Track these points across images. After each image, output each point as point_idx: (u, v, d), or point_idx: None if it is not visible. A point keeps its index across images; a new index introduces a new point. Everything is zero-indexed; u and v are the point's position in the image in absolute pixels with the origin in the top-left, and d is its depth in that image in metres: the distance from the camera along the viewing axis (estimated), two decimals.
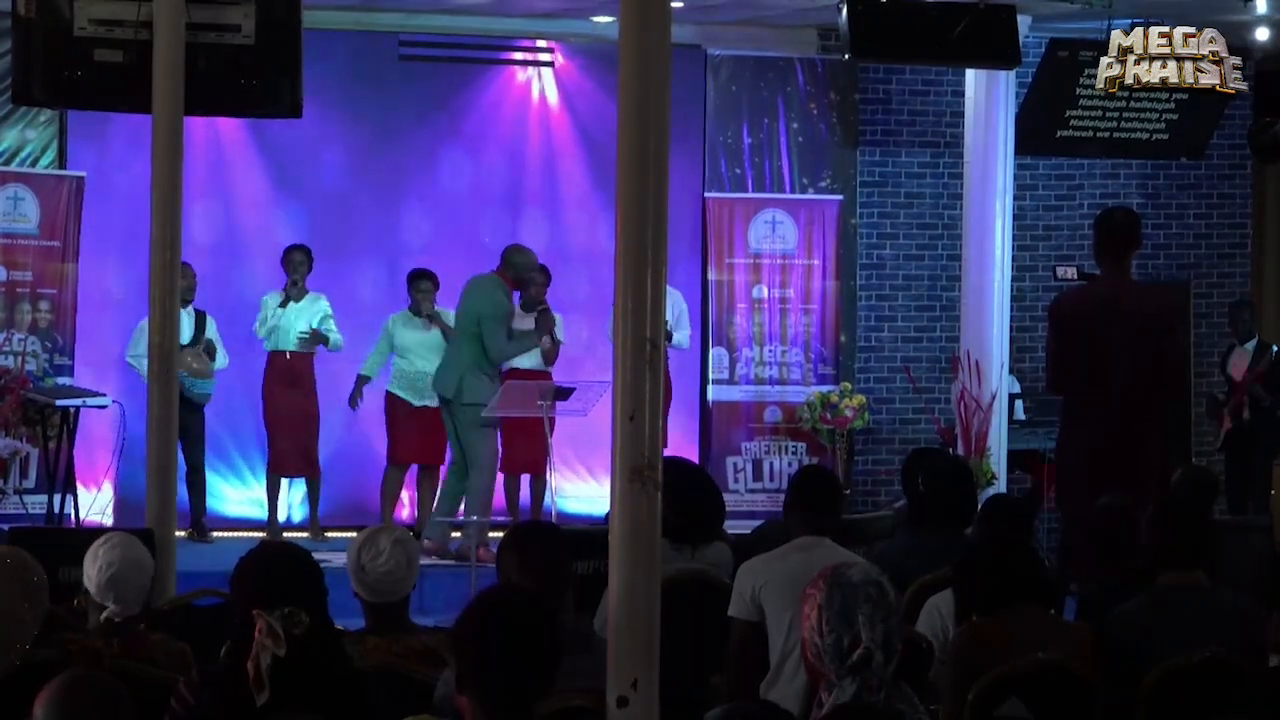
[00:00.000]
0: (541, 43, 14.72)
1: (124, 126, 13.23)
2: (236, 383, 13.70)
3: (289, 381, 13.41)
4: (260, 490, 13.92)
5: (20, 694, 4.55)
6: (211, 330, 13.32)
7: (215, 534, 13.38)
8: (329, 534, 13.29)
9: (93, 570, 5.77)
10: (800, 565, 6.24)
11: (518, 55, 14.77)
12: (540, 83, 14.73)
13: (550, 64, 14.75)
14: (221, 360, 13.35)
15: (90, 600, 5.80)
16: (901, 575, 7.04)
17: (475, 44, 14.67)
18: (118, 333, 13.56)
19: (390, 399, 13.50)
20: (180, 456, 12.43)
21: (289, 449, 13.42)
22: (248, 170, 14.22)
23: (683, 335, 13.93)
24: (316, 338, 13.35)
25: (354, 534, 12.94)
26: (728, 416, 14.81)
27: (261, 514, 13.78)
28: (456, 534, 12.56)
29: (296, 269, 13.43)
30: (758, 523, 10.58)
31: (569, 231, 14.69)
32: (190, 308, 13.09)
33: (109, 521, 12.58)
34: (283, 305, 13.36)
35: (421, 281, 13.39)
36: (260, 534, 13.15)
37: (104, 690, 4.16)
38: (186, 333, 12.94)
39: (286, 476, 13.59)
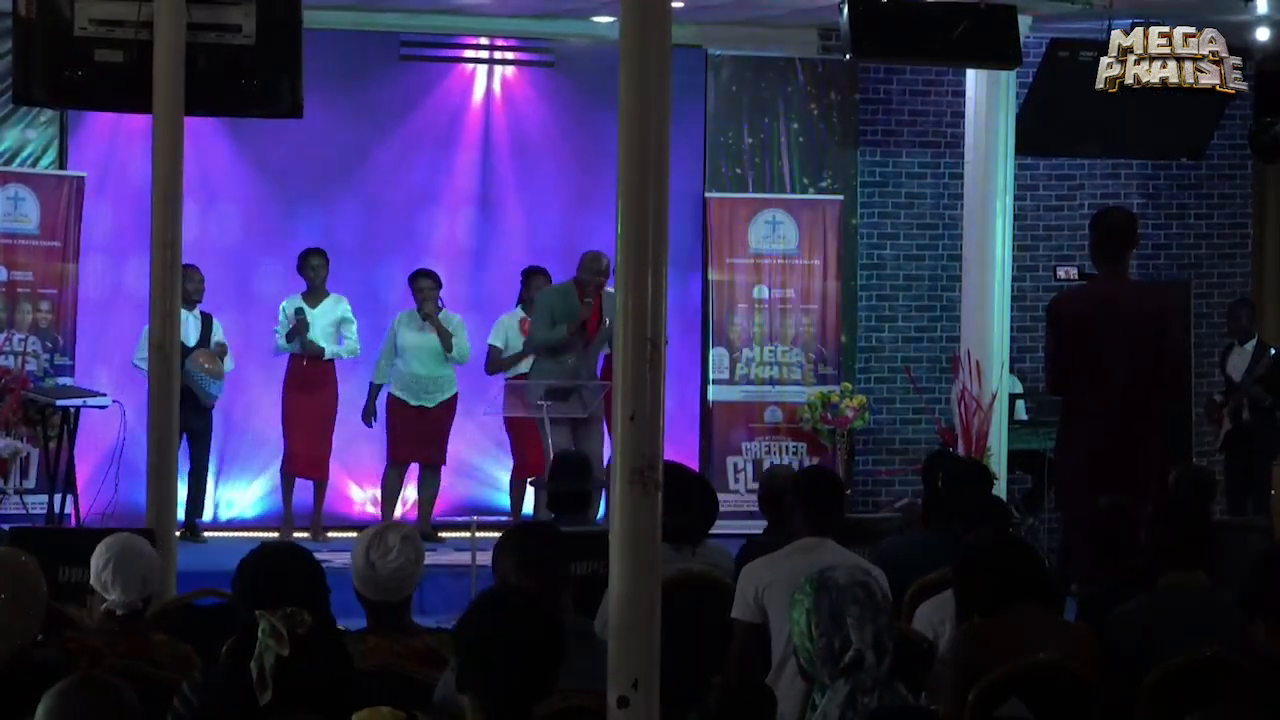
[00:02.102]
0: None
1: (124, 126, 13.24)
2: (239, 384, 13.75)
3: (309, 384, 13.41)
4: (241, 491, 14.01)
5: (20, 694, 4.55)
6: (218, 334, 13.30)
7: (208, 534, 13.37)
8: (330, 534, 13.32)
9: (96, 562, 5.79)
10: (803, 566, 6.23)
11: (519, 56, 14.78)
12: (541, 82, 14.73)
13: (552, 64, 14.75)
14: (228, 363, 13.34)
15: (95, 599, 5.80)
16: (902, 575, 7.06)
17: (475, 44, 14.68)
18: (118, 333, 13.55)
19: (390, 400, 13.52)
20: (187, 455, 12.56)
21: (302, 451, 13.42)
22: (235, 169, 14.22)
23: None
24: (306, 343, 13.36)
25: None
26: (728, 416, 14.81)
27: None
28: None
29: (316, 272, 13.43)
30: (758, 523, 10.56)
31: (569, 231, 14.68)
32: (196, 310, 13.09)
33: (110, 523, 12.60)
34: (293, 326, 13.34)
35: (421, 280, 13.40)
36: (265, 534, 13.15)
37: (111, 692, 4.15)
38: (193, 335, 12.93)
39: (298, 477, 13.58)
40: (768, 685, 4.87)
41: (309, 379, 13.41)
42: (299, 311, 13.32)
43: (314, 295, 13.45)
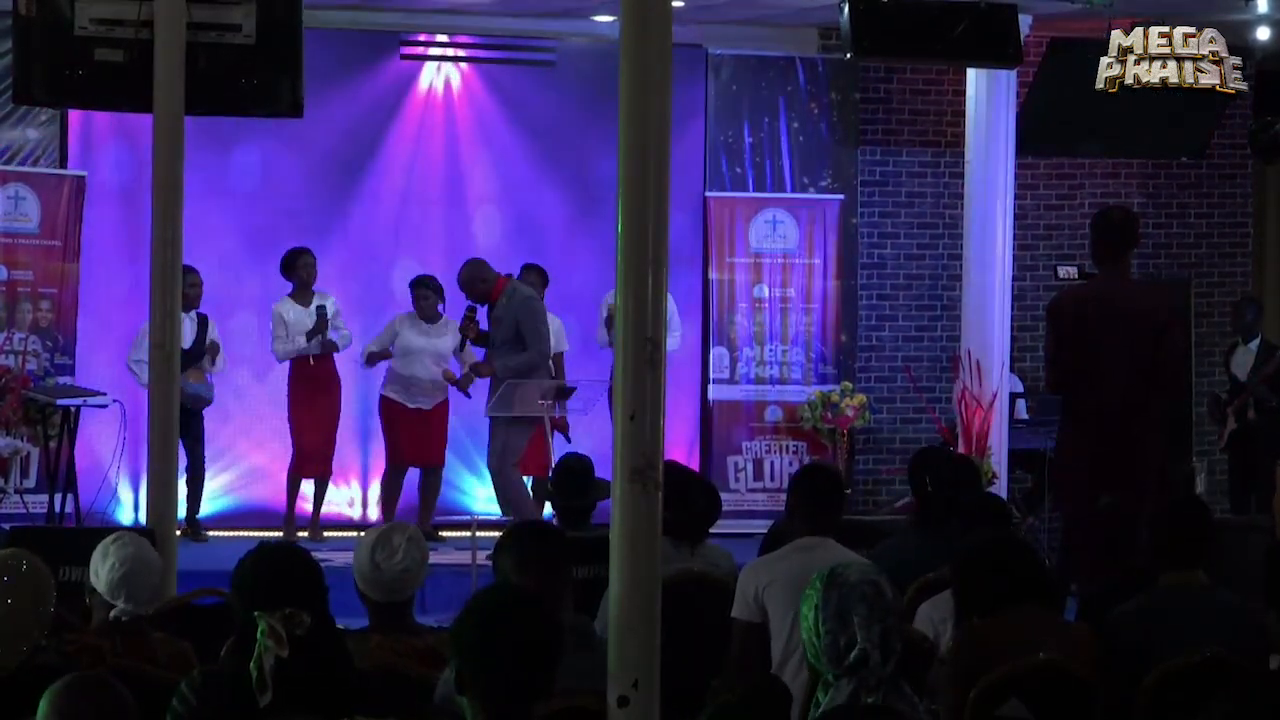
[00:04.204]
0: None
1: (124, 126, 13.24)
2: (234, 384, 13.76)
3: (319, 383, 13.39)
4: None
5: (21, 695, 4.56)
6: (213, 334, 13.29)
7: (211, 533, 13.37)
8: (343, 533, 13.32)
9: (103, 569, 5.76)
10: (803, 566, 6.24)
11: (519, 55, 14.78)
12: (541, 82, 14.73)
13: (553, 63, 14.75)
14: (220, 364, 13.32)
15: (97, 599, 5.79)
16: (901, 575, 7.06)
17: (476, 44, 14.68)
18: (118, 332, 13.54)
19: (385, 402, 13.51)
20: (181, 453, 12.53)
21: (311, 451, 13.41)
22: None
23: (674, 338, 13.88)
24: (326, 343, 13.32)
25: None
26: (728, 416, 14.81)
27: None
28: None
29: (309, 270, 13.41)
30: (758, 522, 10.57)
31: (569, 230, 14.68)
32: (194, 312, 13.08)
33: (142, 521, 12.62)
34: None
35: (419, 288, 13.38)
36: (264, 533, 13.13)
37: (108, 692, 4.16)
38: (188, 337, 12.92)
39: (306, 478, 13.56)
40: (783, 681, 4.87)
41: (318, 377, 13.39)
42: (320, 309, 13.30)
43: (303, 294, 13.41)
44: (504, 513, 12.30)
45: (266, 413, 13.85)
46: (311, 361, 13.33)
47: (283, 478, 13.61)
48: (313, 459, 13.42)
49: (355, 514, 14.14)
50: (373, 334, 13.72)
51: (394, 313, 13.69)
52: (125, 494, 13.52)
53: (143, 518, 12.70)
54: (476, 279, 12.55)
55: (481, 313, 12.64)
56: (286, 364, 13.44)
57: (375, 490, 14.19)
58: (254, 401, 13.98)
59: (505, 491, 12.38)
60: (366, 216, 14.43)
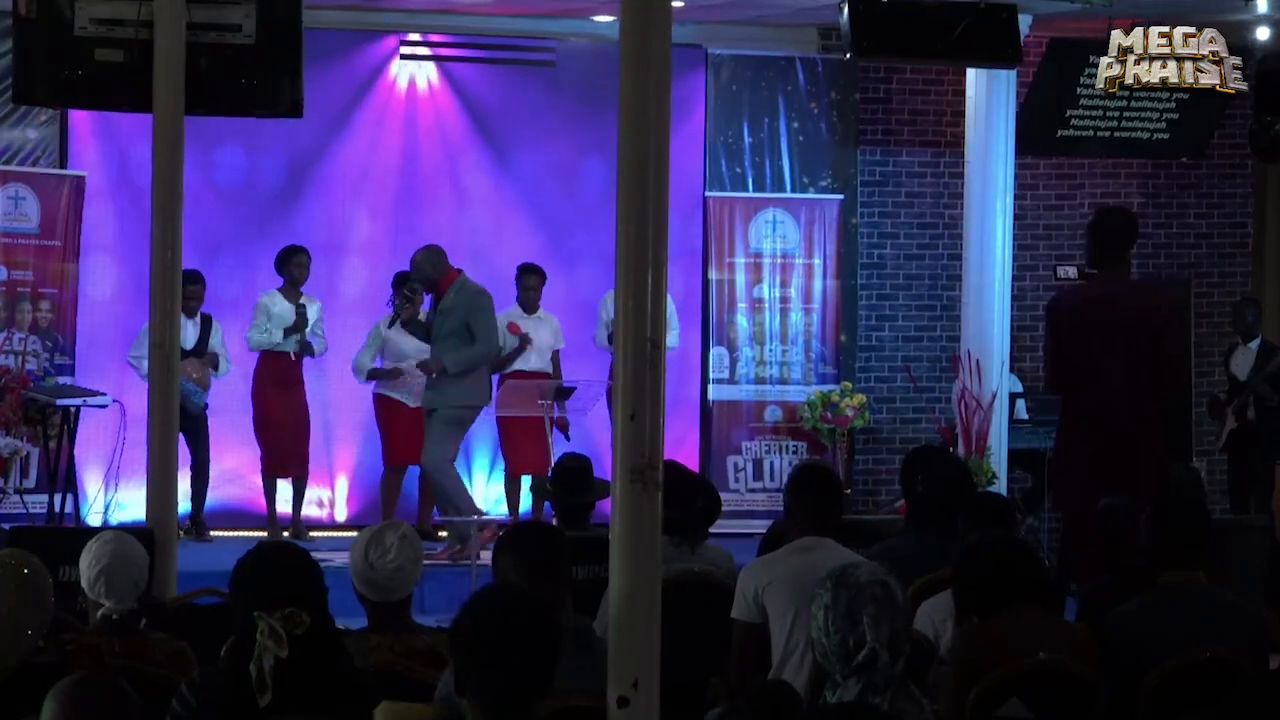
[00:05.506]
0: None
1: (124, 126, 13.24)
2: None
3: (285, 382, 13.38)
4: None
5: (21, 695, 4.56)
6: (217, 337, 13.29)
7: (214, 533, 13.37)
8: (313, 534, 13.33)
9: (85, 566, 5.79)
10: (802, 566, 6.24)
11: (519, 55, 14.78)
12: (541, 81, 14.73)
13: (552, 64, 14.75)
14: (224, 367, 13.33)
15: (89, 600, 5.82)
16: (901, 575, 7.05)
17: (476, 44, 14.68)
18: (118, 332, 13.55)
19: (382, 401, 13.50)
20: (186, 451, 12.53)
21: (284, 450, 13.39)
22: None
23: (673, 336, 13.87)
24: (302, 344, 13.32)
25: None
26: (728, 416, 14.82)
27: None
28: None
29: (302, 270, 13.40)
30: (758, 522, 10.56)
31: (569, 230, 14.68)
32: (197, 316, 13.09)
33: (110, 521, 12.60)
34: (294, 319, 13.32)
35: (401, 287, 13.39)
36: (258, 533, 13.14)
37: (113, 691, 4.16)
38: (190, 339, 12.91)
39: (281, 478, 13.54)
40: (792, 686, 4.87)
41: (284, 376, 13.37)
42: (300, 308, 13.29)
43: (291, 292, 13.40)
44: (443, 513, 12.32)
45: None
46: (292, 357, 13.30)
47: (256, 480, 13.61)
48: (284, 458, 13.39)
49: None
50: (362, 331, 13.66)
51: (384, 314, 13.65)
52: (115, 496, 13.51)
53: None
54: (430, 265, 12.49)
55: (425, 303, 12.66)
56: (253, 364, 13.42)
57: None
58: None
59: (447, 489, 12.34)
60: (357, 216, 14.42)
